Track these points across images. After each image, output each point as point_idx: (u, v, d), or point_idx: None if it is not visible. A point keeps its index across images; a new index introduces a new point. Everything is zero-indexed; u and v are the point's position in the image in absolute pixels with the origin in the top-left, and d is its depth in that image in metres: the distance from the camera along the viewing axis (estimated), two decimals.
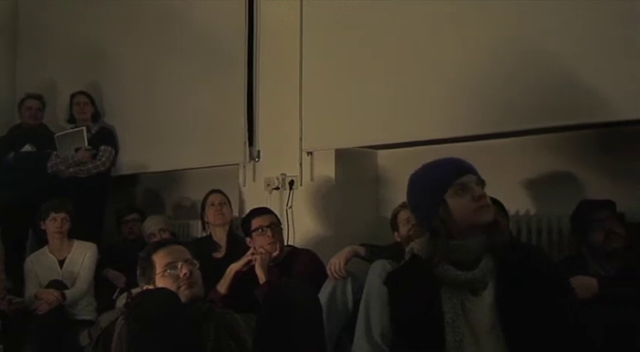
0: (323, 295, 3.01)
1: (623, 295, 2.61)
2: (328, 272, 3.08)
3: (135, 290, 3.11)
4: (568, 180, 3.57)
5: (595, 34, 3.06)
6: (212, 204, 4.03)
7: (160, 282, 2.41)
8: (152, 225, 4.51)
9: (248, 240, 3.52)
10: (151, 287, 2.43)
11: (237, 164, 4.64)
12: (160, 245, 2.56)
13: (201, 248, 3.69)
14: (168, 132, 5.05)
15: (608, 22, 3.03)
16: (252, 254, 3.41)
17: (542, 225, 3.60)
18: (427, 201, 2.03)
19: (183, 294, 2.34)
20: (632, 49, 2.96)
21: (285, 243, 3.71)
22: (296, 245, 3.94)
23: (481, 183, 2.02)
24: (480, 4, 3.43)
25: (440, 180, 2.01)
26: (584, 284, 2.63)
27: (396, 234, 3.44)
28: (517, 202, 3.68)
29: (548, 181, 3.67)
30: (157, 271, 2.43)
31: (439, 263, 1.98)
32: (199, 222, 4.27)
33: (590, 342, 1.94)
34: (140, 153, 5.28)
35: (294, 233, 4.23)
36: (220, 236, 3.98)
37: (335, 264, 3.06)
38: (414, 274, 2.07)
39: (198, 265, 2.48)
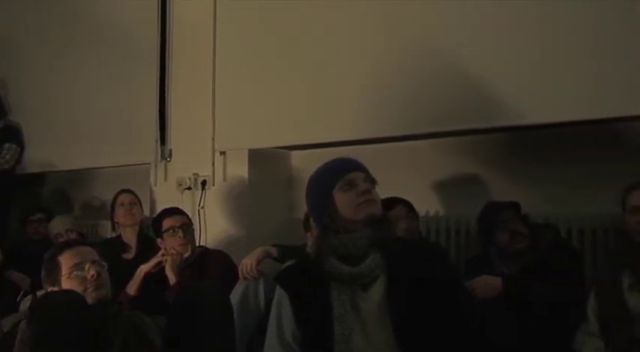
0: (235, 295, 3.00)
1: (526, 294, 2.70)
2: (240, 273, 3.07)
3: (40, 293, 3.02)
4: (476, 182, 3.67)
5: (503, 41, 3.16)
6: (122, 204, 3.95)
7: (66, 284, 2.34)
8: (59, 225, 4.39)
9: (159, 240, 3.47)
10: (56, 289, 2.36)
11: (149, 163, 4.57)
12: (67, 245, 2.49)
13: (111, 248, 3.62)
14: (78, 130, 4.94)
15: (516, 29, 3.13)
16: (163, 255, 3.36)
17: (450, 225, 3.69)
18: (318, 199, 2.08)
19: (90, 296, 2.29)
20: (537, 55, 3.07)
21: (197, 244, 3.68)
22: (208, 245, 3.92)
23: (370, 180, 2.06)
24: (393, 8, 3.49)
25: (328, 178, 2.07)
26: (489, 283, 2.70)
27: (308, 234, 3.43)
28: (427, 203, 3.76)
29: (457, 183, 3.76)
30: (63, 273, 2.36)
31: (326, 258, 2.02)
32: (109, 223, 4.18)
33: (486, 342, 2.01)
34: (48, 151, 5.14)
35: (206, 233, 4.20)
36: (130, 236, 3.91)
37: (247, 264, 3.04)
38: (302, 271, 2.11)
39: (106, 266, 2.43)
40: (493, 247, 3.04)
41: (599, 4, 2.91)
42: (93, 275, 2.35)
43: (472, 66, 3.25)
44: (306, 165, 4.31)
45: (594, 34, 2.92)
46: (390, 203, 3.06)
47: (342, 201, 2.02)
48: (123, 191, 4.05)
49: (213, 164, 4.28)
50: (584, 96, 2.95)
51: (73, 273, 2.35)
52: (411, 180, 3.68)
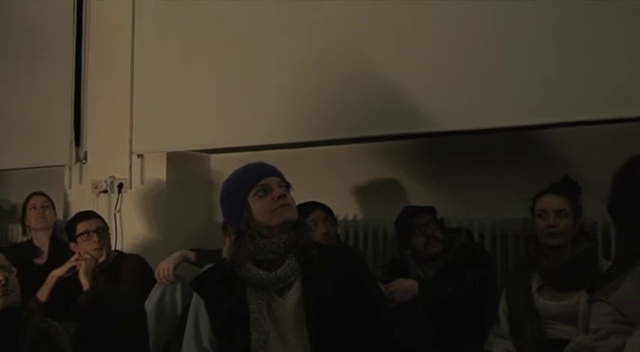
0: (151, 300, 2.96)
1: (440, 297, 2.76)
2: (157, 277, 3.03)
3: None
4: (393, 187, 3.73)
5: (419, 48, 3.21)
6: (33, 207, 3.85)
7: None
8: None
9: (72, 244, 3.38)
10: None
11: (63, 165, 4.45)
12: None
13: (21, 253, 3.56)
14: None
15: (432, 37, 3.18)
16: (77, 259, 3.28)
17: (368, 229, 3.74)
18: (233, 205, 2.07)
19: None
20: (451, 62, 3.13)
21: (113, 248, 3.61)
22: (124, 250, 3.84)
23: (285, 184, 2.07)
24: (312, 13, 3.51)
25: (242, 184, 2.07)
26: (405, 286, 2.75)
27: (227, 238, 3.42)
28: (346, 207, 3.80)
29: (375, 187, 3.81)
30: None
31: (242, 263, 2.03)
32: (20, 226, 4.04)
33: (400, 344, 2.06)
34: None
35: (122, 237, 4.12)
36: (42, 240, 3.80)
37: (164, 268, 3.01)
38: (218, 276, 2.12)
39: (15, 271, 2.36)
40: (409, 251, 3.10)
41: (515, 9, 2.98)
42: (1, 281, 2.27)
43: (389, 73, 3.28)
44: (225, 168, 4.26)
45: (507, 40, 2.99)
46: (309, 207, 3.07)
47: (258, 206, 2.02)
48: (35, 193, 3.94)
49: (130, 167, 4.20)
50: (497, 104, 3.03)
51: None
52: (329, 185, 3.71)
